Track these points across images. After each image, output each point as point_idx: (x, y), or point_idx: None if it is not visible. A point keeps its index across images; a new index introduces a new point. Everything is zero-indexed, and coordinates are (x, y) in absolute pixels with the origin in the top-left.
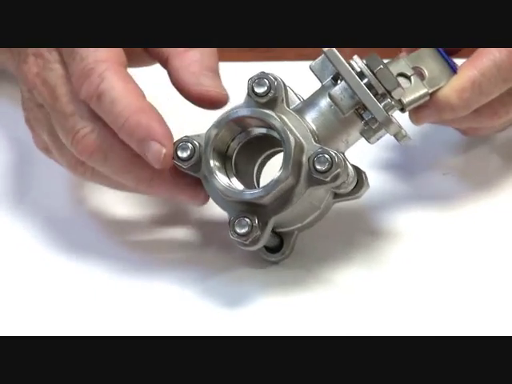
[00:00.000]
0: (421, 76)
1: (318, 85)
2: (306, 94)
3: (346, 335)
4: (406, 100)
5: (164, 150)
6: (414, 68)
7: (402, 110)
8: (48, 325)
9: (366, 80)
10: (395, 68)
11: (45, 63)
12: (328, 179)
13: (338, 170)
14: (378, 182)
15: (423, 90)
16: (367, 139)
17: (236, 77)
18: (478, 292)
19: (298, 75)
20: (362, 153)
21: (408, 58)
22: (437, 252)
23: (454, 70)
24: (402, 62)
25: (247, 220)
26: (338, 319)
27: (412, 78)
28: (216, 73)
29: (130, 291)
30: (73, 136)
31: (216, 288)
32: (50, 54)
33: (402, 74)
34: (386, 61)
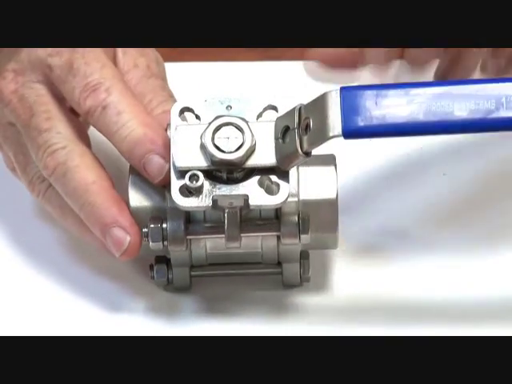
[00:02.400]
0: (305, 130)
1: (317, 85)
2: (306, 94)
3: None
4: (275, 159)
5: (167, 166)
6: (305, 119)
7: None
8: None
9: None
10: (283, 121)
11: (25, 81)
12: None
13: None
14: (376, 181)
15: (293, 148)
16: None
17: (236, 77)
18: (478, 292)
19: (298, 75)
20: (360, 154)
21: (305, 106)
22: (436, 251)
23: None
24: (295, 113)
25: None
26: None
27: (291, 133)
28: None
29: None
30: (44, 149)
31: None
32: (33, 74)
33: (288, 128)
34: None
